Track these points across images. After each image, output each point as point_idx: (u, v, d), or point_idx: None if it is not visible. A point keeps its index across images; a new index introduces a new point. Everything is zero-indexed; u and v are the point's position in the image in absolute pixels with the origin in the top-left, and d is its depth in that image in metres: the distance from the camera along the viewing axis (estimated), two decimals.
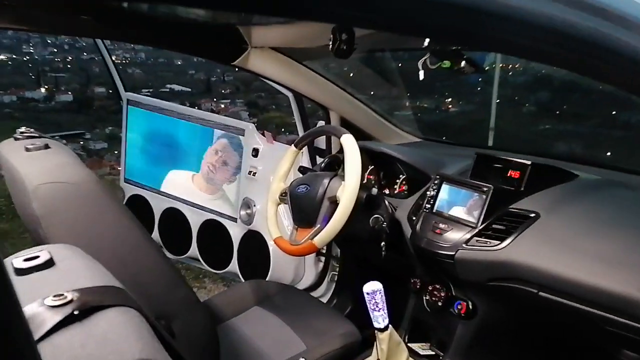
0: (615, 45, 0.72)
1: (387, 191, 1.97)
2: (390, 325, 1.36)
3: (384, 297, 1.31)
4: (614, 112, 5.16)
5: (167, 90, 11.99)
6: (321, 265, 2.46)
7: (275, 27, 1.88)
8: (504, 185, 1.56)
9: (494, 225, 1.49)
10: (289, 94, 2.26)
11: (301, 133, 2.31)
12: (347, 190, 1.57)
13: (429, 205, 1.67)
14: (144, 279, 1.26)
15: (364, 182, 1.92)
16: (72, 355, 0.57)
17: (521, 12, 0.67)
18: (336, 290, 2.40)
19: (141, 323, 0.65)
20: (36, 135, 1.37)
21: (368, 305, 1.32)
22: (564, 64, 0.84)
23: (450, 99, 7.59)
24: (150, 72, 12.63)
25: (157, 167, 2.70)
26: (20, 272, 0.70)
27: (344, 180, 1.61)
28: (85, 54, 12.31)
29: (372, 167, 1.99)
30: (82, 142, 10.87)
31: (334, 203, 1.62)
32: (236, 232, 2.43)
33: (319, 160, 2.27)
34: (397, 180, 1.95)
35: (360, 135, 2.06)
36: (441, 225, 1.59)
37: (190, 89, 12.65)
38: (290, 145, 1.87)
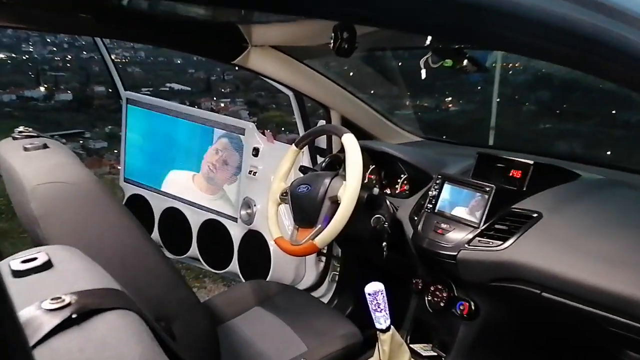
0: (616, 42, 0.72)
1: (388, 191, 1.96)
2: (392, 326, 1.35)
3: (385, 298, 1.30)
4: (613, 112, 5.15)
5: (167, 89, 11.98)
6: (322, 265, 2.45)
7: (276, 26, 1.87)
8: (506, 185, 1.55)
9: (496, 226, 1.48)
10: (290, 93, 2.25)
11: (302, 132, 2.30)
12: (349, 190, 1.56)
13: (430, 205, 1.66)
14: (143, 280, 1.25)
15: (365, 181, 1.90)
16: (70, 359, 0.56)
17: (522, 8, 0.67)
18: (337, 291, 2.39)
19: (141, 326, 0.64)
20: (35, 134, 1.36)
21: (370, 306, 1.31)
22: (565, 61, 0.84)
23: (450, 98, 7.59)
24: (150, 71, 12.62)
25: (157, 166, 2.69)
26: (17, 274, 0.69)
27: (345, 180, 1.60)
28: (84, 52, 12.31)
29: (373, 166, 1.98)
30: (81, 141, 10.87)
31: (335, 203, 1.61)
32: (236, 232, 2.42)
33: (319, 159, 2.26)
34: (399, 180, 1.94)
35: (361, 134, 2.04)
36: (443, 226, 1.58)
37: (190, 88, 12.64)
38: (291, 144, 1.86)
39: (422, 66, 1.53)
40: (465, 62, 1.50)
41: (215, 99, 12.24)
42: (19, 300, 0.62)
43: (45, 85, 12.41)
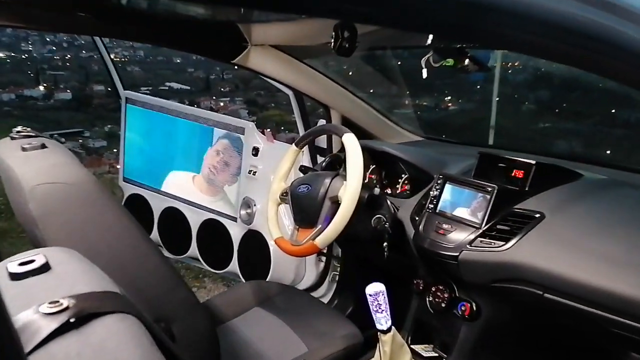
0: (617, 39, 0.72)
1: (389, 191, 1.95)
2: (393, 327, 1.34)
3: (386, 299, 1.29)
4: (613, 111, 5.16)
5: (166, 88, 11.99)
6: (322, 265, 2.44)
7: (276, 25, 1.86)
8: (508, 185, 1.54)
9: (498, 226, 1.47)
10: (289, 92, 2.24)
11: (302, 132, 2.30)
12: (349, 190, 1.55)
13: (432, 206, 1.65)
14: (143, 281, 1.24)
15: (365, 181, 1.90)
16: None
17: (522, 6, 0.66)
18: (337, 291, 2.39)
19: (140, 330, 0.63)
20: (33, 134, 1.35)
21: (370, 307, 1.30)
22: (566, 60, 0.83)
23: (449, 97, 7.59)
24: (149, 70, 12.63)
25: (157, 166, 2.68)
26: (15, 276, 0.68)
27: (345, 180, 1.59)
28: (84, 52, 12.31)
29: (374, 166, 1.97)
30: (81, 140, 10.89)
31: (336, 203, 1.60)
32: (236, 232, 2.41)
33: (319, 159, 2.25)
34: (399, 180, 1.93)
35: (361, 134, 2.03)
36: (444, 226, 1.57)
37: (189, 87, 12.65)
38: (290, 143, 1.85)
39: (423, 65, 1.52)
40: (466, 61, 1.49)
41: (214, 98, 12.25)
42: (16, 304, 0.61)
43: (45, 85, 12.42)
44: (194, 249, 2.57)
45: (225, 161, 2.43)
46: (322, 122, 2.29)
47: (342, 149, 1.69)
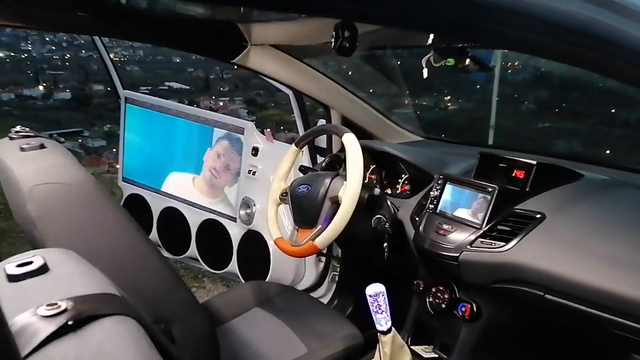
0: (618, 38, 0.71)
1: (389, 191, 1.95)
2: (393, 328, 1.34)
3: (386, 300, 1.29)
4: (613, 110, 5.16)
5: (166, 87, 11.97)
6: (322, 265, 2.43)
7: (276, 24, 1.85)
8: (508, 185, 1.54)
9: (499, 227, 1.46)
10: (289, 92, 2.23)
11: (301, 131, 2.29)
12: (349, 190, 1.54)
13: (432, 206, 1.64)
14: (142, 283, 1.24)
15: (365, 181, 1.89)
16: None
17: (522, 5, 0.66)
18: (337, 291, 2.38)
19: (139, 332, 0.63)
20: (32, 134, 1.35)
21: (370, 308, 1.29)
22: (567, 59, 0.83)
23: (449, 97, 7.59)
24: (148, 70, 12.61)
25: (156, 166, 2.67)
26: (12, 278, 0.67)
27: (345, 180, 1.59)
28: (83, 51, 12.29)
29: (374, 166, 1.97)
30: (80, 140, 10.87)
31: (336, 203, 1.60)
32: (236, 232, 2.41)
33: (319, 159, 2.25)
34: (400, 180, 1.93)
35: (361, 134, 2.03)
36: (445, 226, 1.56)
37: (188, 87, 12.64)
38: (290, 143, 1.84)
39: (424, 65, 1.52)
40: (467, 61, 1.49)
41: (214, 97, 12.24)
42: (14, 306, 0.61)
43: (44, 84, 12.41)
44: (193, 249, 2.56)
45: (226, 164, 2.42)
46: (322, 122, 2.29)
47: (342, 149, 1.69)
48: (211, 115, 2.47)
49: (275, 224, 1.78)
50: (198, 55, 2.21)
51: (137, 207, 2.68)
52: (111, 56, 2.74)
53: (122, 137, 2.79)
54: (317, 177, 1.68)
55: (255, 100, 12.01)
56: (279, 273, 2.31)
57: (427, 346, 1.77)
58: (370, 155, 1.93)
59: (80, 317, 0.59)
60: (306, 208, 1.65)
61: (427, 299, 1.72)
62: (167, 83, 12.23)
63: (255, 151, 2.31)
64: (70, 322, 0.57)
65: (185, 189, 2.57)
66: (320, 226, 1.61)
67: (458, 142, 2.42)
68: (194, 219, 2.54)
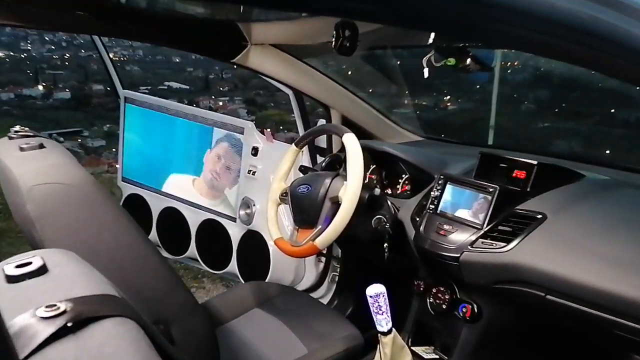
0: (620, 37, 0.71)
1: (389, 191, 1.94)
2: (393, 329, 1.34)
3: (387, 301, 1.28)
4: (612, 110, 5.16)
5: (165, 87, 11.97)
6: (322, 265, 2.43)
7: (276, 24, 1.85)
8: (509, 185, 1.53)
9: (499, 227, 1.46)
10: (289, 92, 2.23)
11: (301, 131, 2.29)
12: (349, 190, 1.54)
13: (432, 206, 1.64)
14: (141, 283, 1.24)
15: (366, 182, 1.88)
16: None
17: (524, 3, 0.66)
18: (337, 291, 2.38)
19: (138, 334, 0.62)
20: (31, 134, 1.34)
21: (371, 309, 1.29)
22: (568, 58, 0.83)
23: (449, 97, 7.59)
24: (148, 70, 12.61)
25: (156, 166, 2.67)
26: (11, 279, 0.66)
27: (345, 180, 1.58)
28: (83, 51, 12.29)
29: (374, 166, 1.96)
30: (80, 140, 10.87)
31: (336, 203, 1.59)
32: (235, 232, 2.40)
33: (319, 159, 2.24)
34: (400, 180, 1.92)
35: (361, 133, 2.03)
36: (445, 227, 1.56)
37: (188, 87, 12.64)
38: (290, 143, 1.84)
39: (424, 65, 1.51)
40: (468, 60, 1.48)
41: (213, 97, 12.25)
42: (13, 307, 0.60)
43: (44, 84, 12.41)
44: (192, 250, 2.56)
45: (227, 166, 2.42)
46: (322, 121, 2.28)
47: (342, 149, 1.68)
48: (211, 115, 2.47)
49: (275, 224, 1.78)
50: (198, 54, 2.20)
51: (136, 207, 2.67)
52: (111, 56, 2.73)
53: (122, 136, 2.78)
54: (317, 177, 1.68)
55: (255, 100, 12.01)
56: (278, 273, 2.30)
57: (427, 347, 1.77)
58: (371, 155, 1.92)
59: (80, 318, 0.58)
60: (306, 208, 1.65)
61: (428, 300, 1.71)
62: (166, 83, 12.23)
63: (255, 151, 2.30)
64: (69, 324, 0.57)
65: (185, 190, 2.56)
66: (320, 226, 1.60)
67: (458, 142, 2.42)
68: (194, 219, 2.54)
